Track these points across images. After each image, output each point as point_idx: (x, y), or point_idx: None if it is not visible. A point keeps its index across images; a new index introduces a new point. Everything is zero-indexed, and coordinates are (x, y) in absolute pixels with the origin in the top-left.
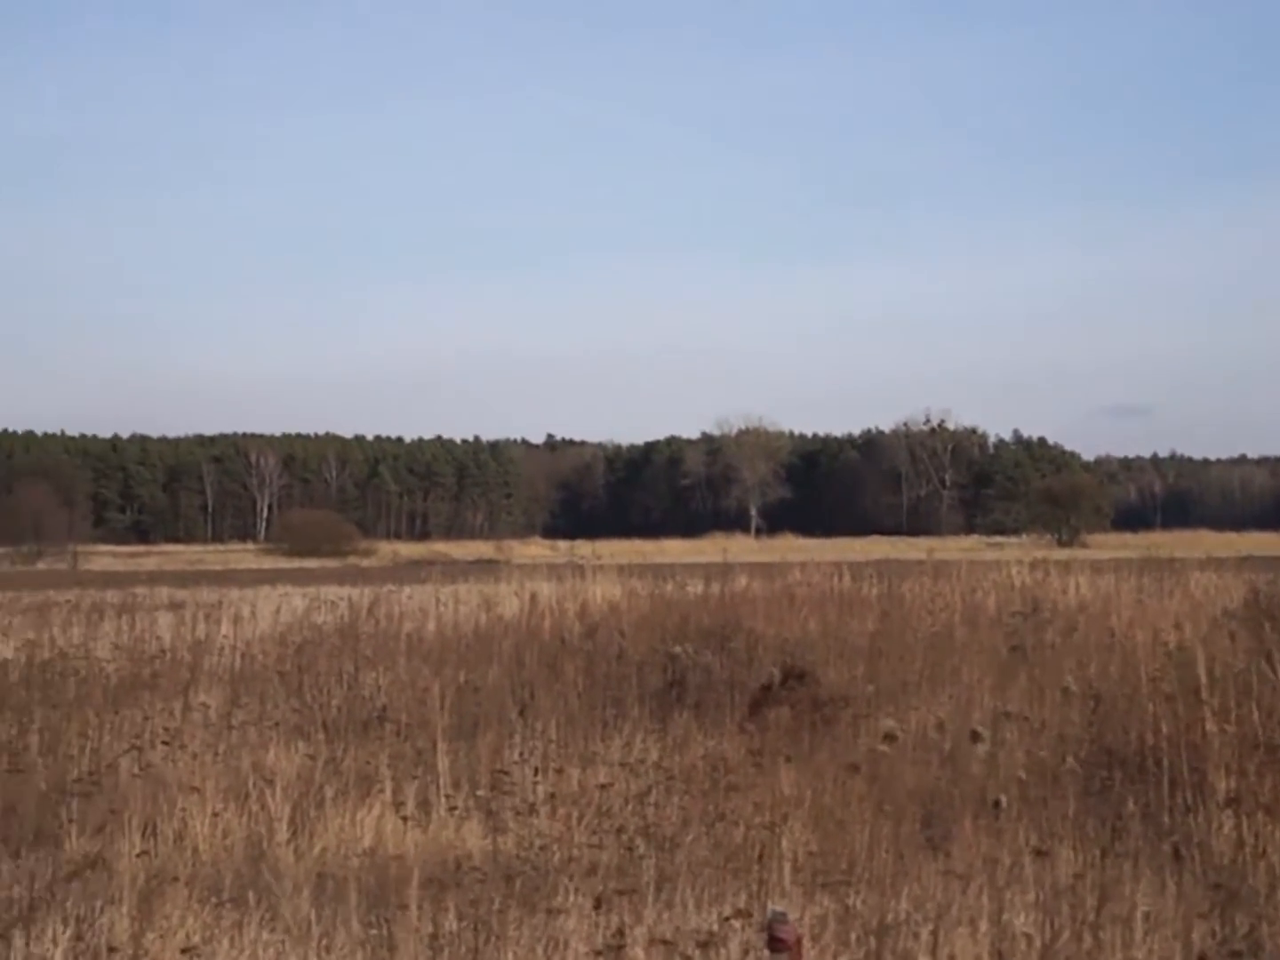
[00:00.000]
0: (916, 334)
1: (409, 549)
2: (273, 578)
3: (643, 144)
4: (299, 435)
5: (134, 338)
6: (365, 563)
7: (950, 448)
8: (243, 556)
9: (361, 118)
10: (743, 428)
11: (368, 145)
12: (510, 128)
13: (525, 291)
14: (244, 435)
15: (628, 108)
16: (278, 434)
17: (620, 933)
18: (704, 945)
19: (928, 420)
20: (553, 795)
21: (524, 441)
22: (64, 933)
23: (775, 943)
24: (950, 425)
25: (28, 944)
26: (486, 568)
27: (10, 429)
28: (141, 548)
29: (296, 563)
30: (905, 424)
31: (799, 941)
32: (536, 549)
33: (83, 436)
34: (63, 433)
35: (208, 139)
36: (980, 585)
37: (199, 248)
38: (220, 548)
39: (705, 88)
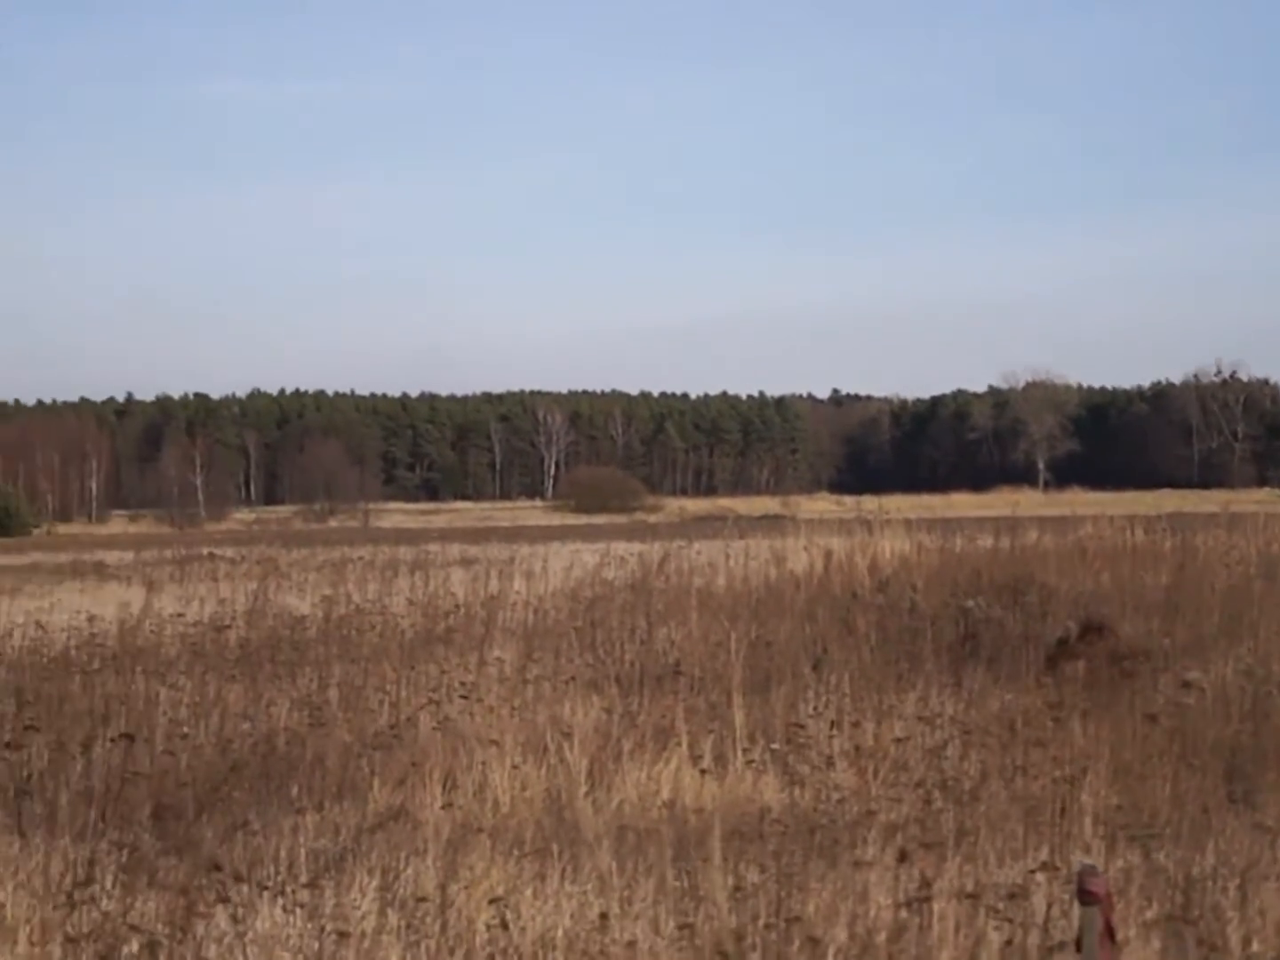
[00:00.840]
0: (1207, 285)
1: (695, 505)
2: (561, 534)
3: (928, 101)
4: (585, 392)
5: (423, 298)
6: (652, 519)
7: (1242, 400)
8: (530, 513)
9: (662, 89)
10: (1030, 381)
11: (674, 111)
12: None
13: (809, 247)
14: (531, 393)
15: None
16: (564, 391)
17: (926, 884)
18: (1010, 898)
19: (1219, 372)
20: (856, 749)
21: (809, 397)
22: (371, 883)
23: (1085, 895)
24: (1243, 377)
25: (338, 894)
26: (773, 523)
27: (302, 389)
28: (431, 505)
29: (584, 519)
30: (1195, 376)
31: (1109, 895)
32: (822, 504)
33: (373, 396)
34: (353, 392)
35: (502, 105)
36: (1277, 538)
37: (485, 208)
38: (508, 505)
39: (984, 43)
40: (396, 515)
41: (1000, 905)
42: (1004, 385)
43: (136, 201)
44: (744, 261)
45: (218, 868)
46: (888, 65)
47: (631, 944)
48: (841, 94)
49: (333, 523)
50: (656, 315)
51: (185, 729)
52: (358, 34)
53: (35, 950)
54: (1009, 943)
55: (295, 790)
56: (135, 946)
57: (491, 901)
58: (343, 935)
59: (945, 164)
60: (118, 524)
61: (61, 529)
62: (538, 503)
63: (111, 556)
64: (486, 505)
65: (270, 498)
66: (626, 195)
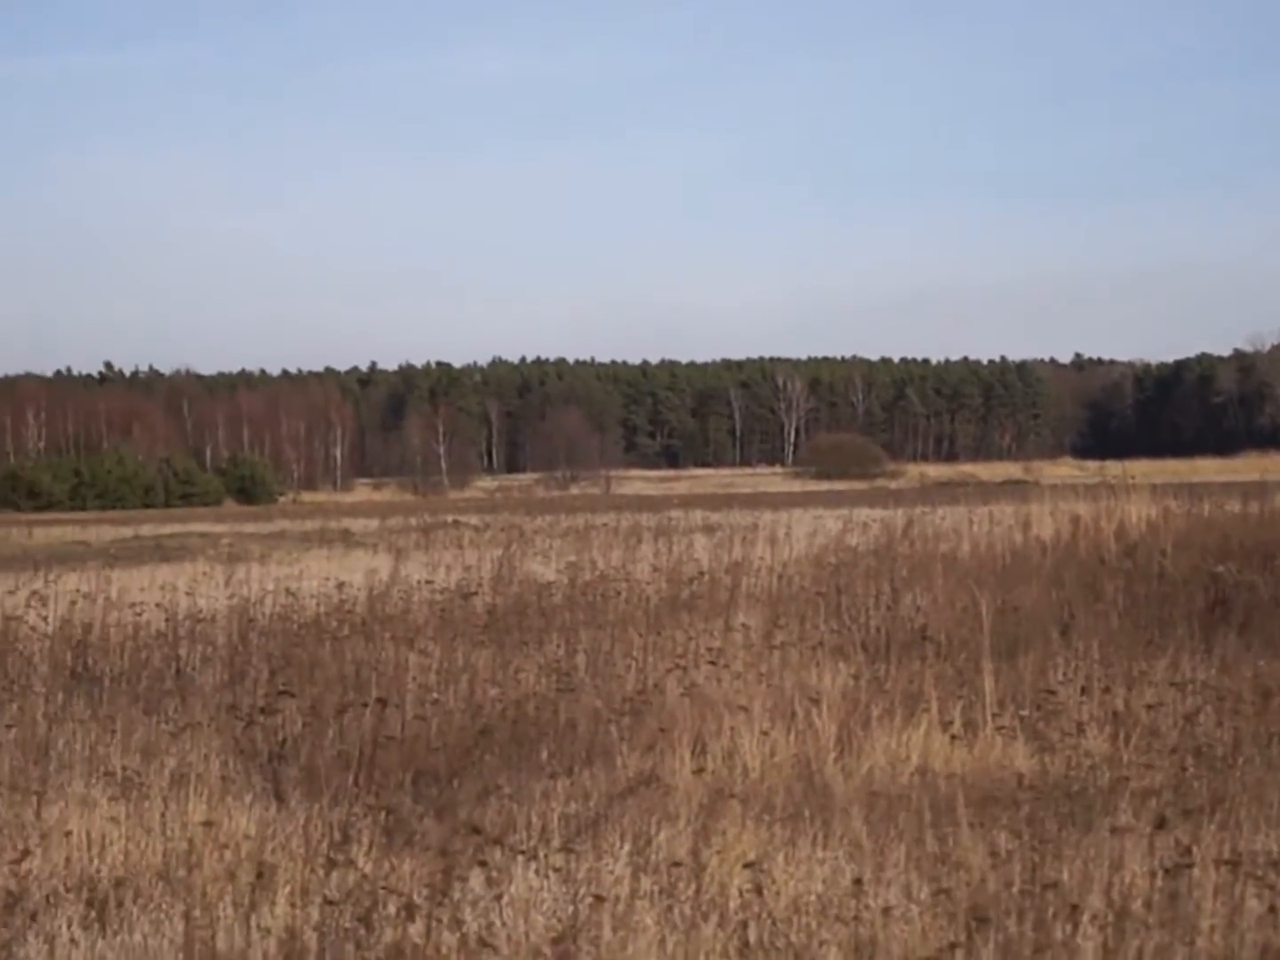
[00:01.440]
0: None
1: (936, 470)
2: (803, 500)
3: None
4: (825, 358)
5: (661, 266)
6: (893, 485)
7: None
8: (770, 480)
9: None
10: (1276, 343)
11: (903, 78)
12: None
13: (1050, 213)
14: (771, 359)
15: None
16: (804, 358)
17: (1186, 851)
18: (1271, 865)
19: None
20: (1111, 715)
21: (1051, 361)
22: (623, 848)
23: None
24: None
25: (590, 859)
26: (1015, 488)
27: (544, 357)
28: (671, 472)
29: (825, 485)
30: None
31: None
32: (1065, 469)
33: (614, 363)
34: (594, 360)
35: (729, 77)
36: None
37: (724, 174)
38: (748, 471)
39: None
40: (637, 482)
41: (1260, 873)
42: (1250, 348)
43: (380, 172)
44: (989, 226)
45: (476, 830)
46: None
47: (887, 910)
48: (1065, 61)
49: (574, 490)
50: (895, 280)
51: (435, 694)
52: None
53: (295, 912)
54: (1271, 909)
55: (544, 755)
56: (393, 909)
57: (746, 866)
58: (598, 899)
59: (1192, 127)
60: (361, 492)
61: (306, 497)
62: (778, 469)
63: (357, 524)
64: (726, 472)
65: (512, 465)
66: (857, 163)
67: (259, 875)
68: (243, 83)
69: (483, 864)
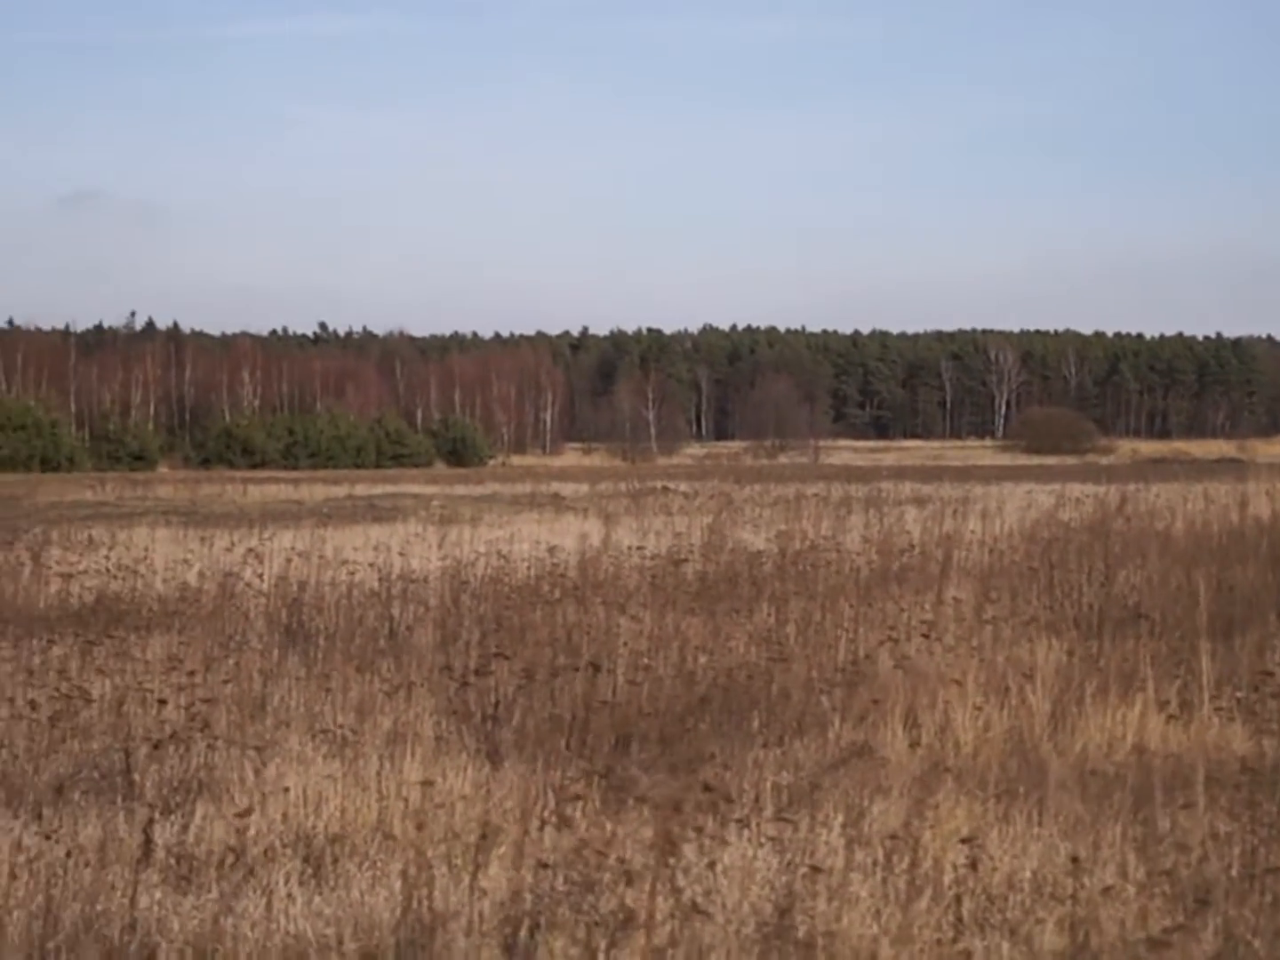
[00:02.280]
0: None
1: (1148, 447)
2: (1014, 474)
3: None
4: (1038, 332)
5: (874, 236)
6: (1105, 460)
7: None
8: (981, 453)
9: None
10: None
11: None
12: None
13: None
14: (983, 331)
15: None
16: (1016, 330)
17: None
18: None
19: None
20: None
21: (1269, 339)
22: (836, 819)
23: None
24: None
25: (805, 829)
26: (1229, 467)
27: (754, 325)
28: (880, 443)
29: (1036, 459)
30: None
31: None
32: None
33: (824, 332)
34: (804, 329)
35: (944, 50)
36: None
37: (934, 146)
38: (958, 443)
39: None
40: (845, 452)
41: None
42: None
43: (596, 135)
44: (1208, 199)
45: (708, 788)
46: None
47: (1106, 889)
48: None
49: (782, 459)
50: (1110, 253)
51: (646, 660)
52: None
53: (510, 874)
54: None
55: (756, 724)
56: (610, 874)
57: (963, 842)
58: (815, 870)
59: None
60: (571, 456)
61: (516, 460)
62: (988, 442)
63: (566, 488)
64: (936, 444)
65: (720, 433)
66: (1081, 132)
67: (482, 836)
68: (478, 42)
69: (699, 831)
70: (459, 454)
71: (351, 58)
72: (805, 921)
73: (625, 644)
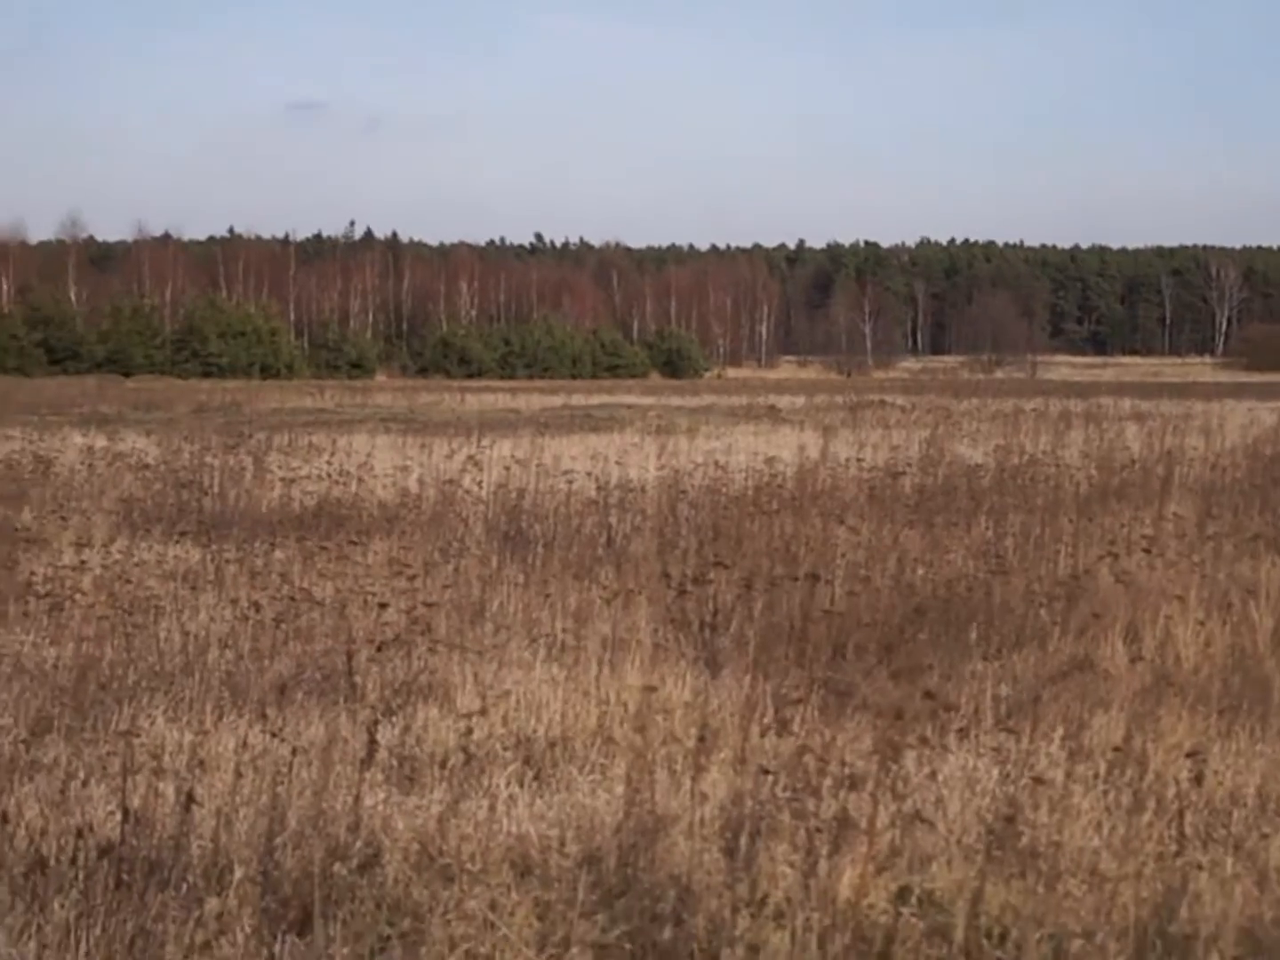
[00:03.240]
0: None
1: None
2: (1235, 392)
3: None
4: (1260, 248)
5: (1095, 151)
6: None
7: None
8: (1200, 370)
9: None
10: None
11: None
12: None
13: None
14: (1204, 247)
15: None
16: (1239, 247)
17: None
18: None
19: None
20: None
21: None
22: (1056, 732)
23: None
24: None
25: (1025, 741)
26: None
27: (972, 239)
28: (1097, 359)
29: (1257, 377)
30: None
31: None
32: None
33: (1043, 247)
34: (1022, 243)
35: None
36: None
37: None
38: (1176, 360)
39: None
40: (1062, 368)
41: None
42: None
43: (817, 48)
44: None
45: (929, 695)
46: None
47: None
48: None
49: (999, 374)
50: None
51: (864, 571)
52: None
53: (731, 780)
54: None
55: (974, 637)
56: (832, 780)
57: (1188, 756)
58: (1037, 782)
59: None
60: (786, 369)
61: (731, 372)
62: (1207, 359)
63: (782, 400)
64: (1154, 360)
65: (936, 347)
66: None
67: (700, 740)
68: None
69: (924, 741)
70: (674, 366)
71: None
72: (1027, 833)
73: (843, 555)
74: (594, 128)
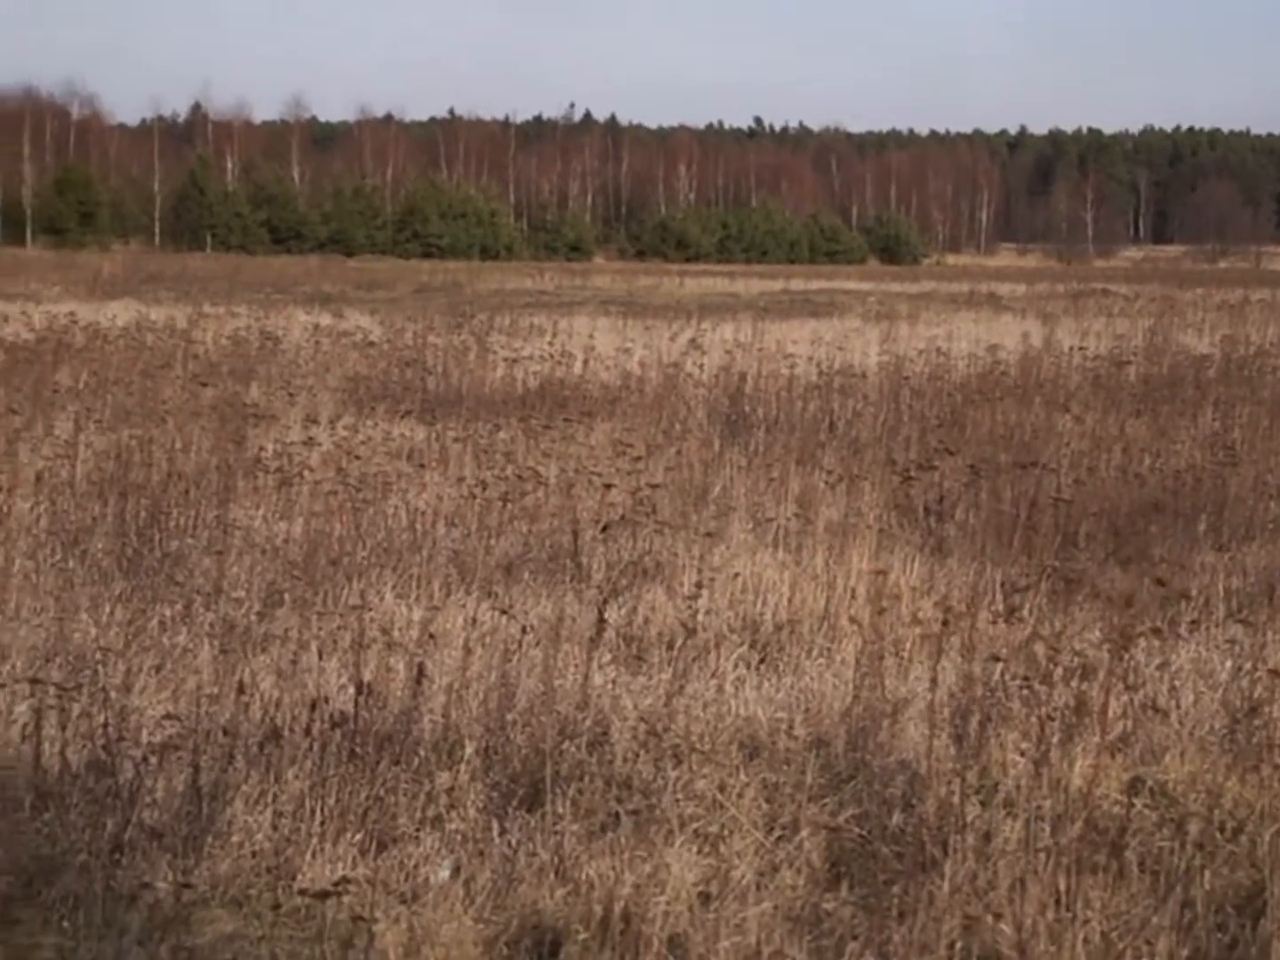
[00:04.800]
0: None
1: None
2: None
3: None
4: None
5: None
6: None
7: None
8: None
9: None
10: None
11: None
12: None
13: None
14: None
15: None
16: None
17: None
18: None
19: None
20: None
21: None
22: None
23: None
24: None
25: (1256, 634)
26: None
27: (1196, 126)
28: None
29: None
30: None
31: None
32: None
33: (1269, 135)
34: (1249, 131)
35: None
36: None
37: None
38: None
39: None
40: None
41: None
42: None
43: None
44: None
45: (1161, 583)
46: None
47: None
48: None
49: (1222, 264)
50: None
51: (1088, 461)
52: None
53: (960, 666)
54: None
55: (1203, 528)
56: (1062, 668)
57: None
58: (1274, 675)
59: None
60: (1005, 257)
61: (950, 259)
62: None
63: (1003, 288)
64: None
65: (1158, 236)
66: None
67: (944, 624)
68: None
69: (1156, 631)
70: (892, 252)
71: None
72: (1262, 726)
73: (1067, 444)
74: (815, 12)
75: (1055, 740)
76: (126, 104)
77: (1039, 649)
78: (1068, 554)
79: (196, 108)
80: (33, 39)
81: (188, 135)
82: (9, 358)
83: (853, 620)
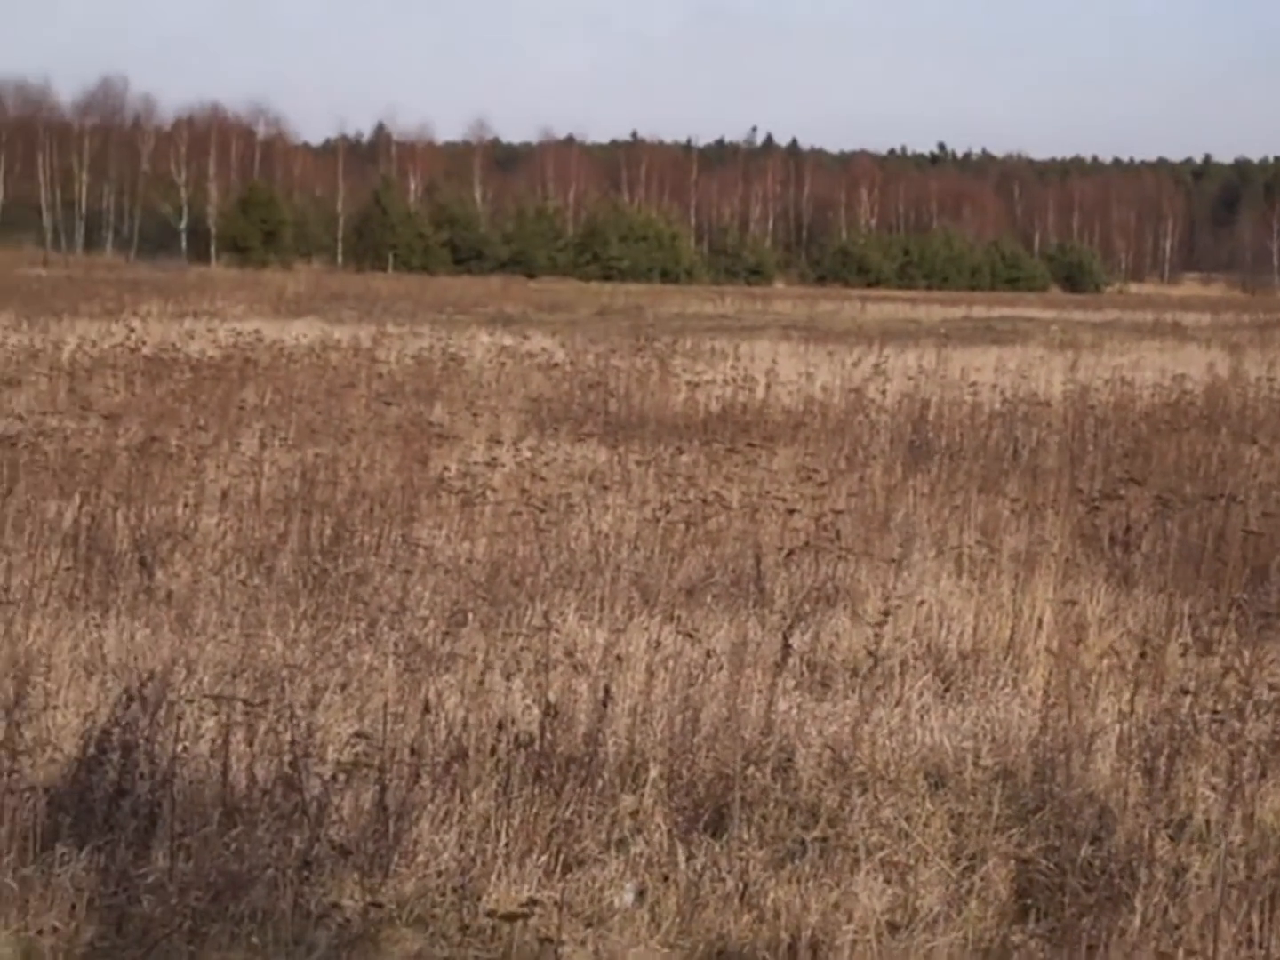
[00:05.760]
0: None
1: None
2: None
3: None
4: None
5: None
6: None
7: None
8: None
9: None
10: None
11: None
12: None
13: None
14: None
15: None
16: None
17: None
18: None
19: None
20: None
21: None
22: None
23: None
24: None
25: None
26: None
27: None
28: None
29: None
30: None
31: None
32: None
33: None
34: None
35: None
36: None
37: None
38: None
39: None
40: None
41: None
42: None
43: None
44: None
45: None
46: None
47: None
48: None
49: None
50: None
51: (1276, 493)
52: None
53: (1150, 698)
54: None
55: None
56: (1256, 700)
57: None
58: None
59: None
60: (1189, 286)
61: (1133, 288)
62: None
63: (1187, 318)
64: None
65: None
66: None
67: (1120, 658)
68: None
69: None
70: (1074, 280)
71: None
72: None
73: (1255, 475)
74: (1000, 38)
75: (1247, 775)
76: (311, 124)
77: (1230, 682)
78: (1259, 587)
79: (380, 128)
80: (221, 60)
81: (371, 155)
82: (195, 375)
83: (1047, 651)
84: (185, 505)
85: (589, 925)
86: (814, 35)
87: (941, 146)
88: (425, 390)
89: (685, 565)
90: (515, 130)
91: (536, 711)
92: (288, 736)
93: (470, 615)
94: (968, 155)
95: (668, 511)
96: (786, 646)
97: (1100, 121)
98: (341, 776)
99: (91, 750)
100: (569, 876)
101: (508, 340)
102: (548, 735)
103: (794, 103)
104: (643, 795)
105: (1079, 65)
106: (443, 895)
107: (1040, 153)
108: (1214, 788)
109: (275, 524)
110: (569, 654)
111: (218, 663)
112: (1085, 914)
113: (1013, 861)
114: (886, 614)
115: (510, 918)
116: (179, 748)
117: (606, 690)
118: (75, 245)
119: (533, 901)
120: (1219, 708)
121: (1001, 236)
